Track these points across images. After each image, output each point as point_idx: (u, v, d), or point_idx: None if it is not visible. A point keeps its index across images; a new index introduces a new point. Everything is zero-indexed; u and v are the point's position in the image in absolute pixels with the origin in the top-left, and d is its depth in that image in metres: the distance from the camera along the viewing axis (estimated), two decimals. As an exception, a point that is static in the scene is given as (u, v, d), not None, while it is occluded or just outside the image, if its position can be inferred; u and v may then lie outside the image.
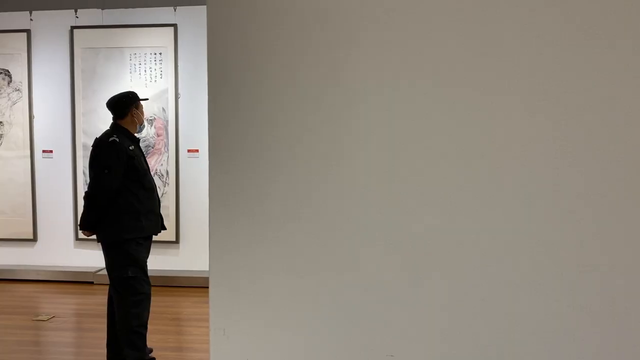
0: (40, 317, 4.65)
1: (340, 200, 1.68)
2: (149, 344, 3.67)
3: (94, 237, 3.49)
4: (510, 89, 1.60)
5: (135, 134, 3.61)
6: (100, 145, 3.41)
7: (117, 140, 3.37)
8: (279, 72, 1.67)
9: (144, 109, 3.70)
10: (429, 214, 1.66)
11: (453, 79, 1.63)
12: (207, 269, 5.83)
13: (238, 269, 1.69)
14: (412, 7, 1.62)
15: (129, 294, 3.40)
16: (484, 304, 1.64)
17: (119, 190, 3.36)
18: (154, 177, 5.55)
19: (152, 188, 3.57)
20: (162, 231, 3.68)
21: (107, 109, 3.64)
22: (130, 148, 3.44)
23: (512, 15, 1.59)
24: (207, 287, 5.56)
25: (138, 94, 3.68)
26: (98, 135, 3.56)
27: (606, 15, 1.56)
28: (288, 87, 1.68)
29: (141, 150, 3.64)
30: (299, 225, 1.69)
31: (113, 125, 3.53)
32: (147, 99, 4.02)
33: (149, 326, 3.93)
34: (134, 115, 3.55)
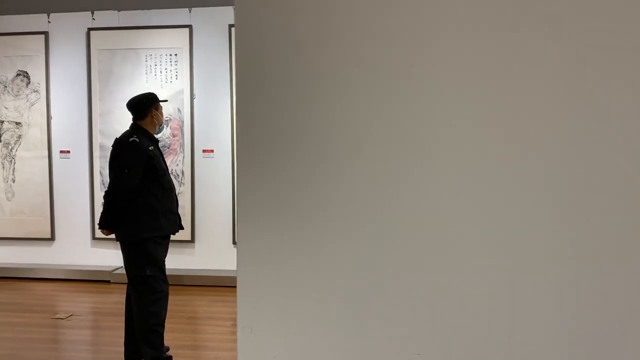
0: (58, 316, 4.71)
1: (368, 198, 1.68)
2: (165, 343, 3.70)
3: (112, 236, 3.53)
4: (541, 90, 1.60)
5: (155, 135, 3.65)
6: (121, 146, 3.45)
7: (137, 140, 3.42)
8: (305, 68, 1.68)
9: (162, 110, 3.75)
10: (458, 214, 1.66)
11: (481, 79, 1.63)
12: (222, 267, 5.88)
13: (265, 267, 1.70)
14: (445, 5, 1.62)
15: (147, 292, 3.44)
16: (513, 303, 1.64)
17: (139, 190, 3.40)
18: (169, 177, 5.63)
19: (171, 188, 3.61)
20: (179, 231, 3.72)
21: (124, 109, 3.69)
22: (150, 148, 3.48)
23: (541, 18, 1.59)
24: (223, 286, 5.61)
25: (157, 95, 3.72)
26: (116, 136, 3.61)
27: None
28: (315, 84, 1.69)
29: (160, 151, 3.68)
30: (326, 223, 1.70)
31: (133, 126, 3.58)
32: (166, 101, 4.05)
33: (165, 325, 3.97)
34: (154, 116, 3.59)
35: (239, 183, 1.70)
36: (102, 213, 3.51)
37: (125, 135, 3.52)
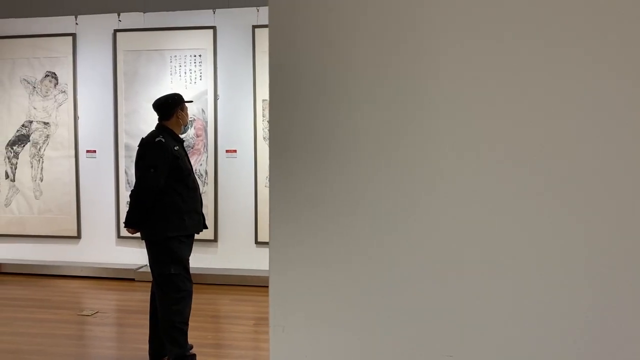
0: (84, 312, 4.79)
1: (401, 199, 1.68)
2: (189, 341, 3.74)
3: (138, 235, 3.59)
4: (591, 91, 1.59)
5: (180, 135, 3.71)
6: (147, 145, 3.52)
7: (163, 140, 3.48)
8: (339, 70, 1.69)
9: (187, 111, 3.80)
10: (490, 215, 1.64)
11: (524, 80, 1.62)
12: (244, 267, 5.92)
13: (298, 267, 1.71)
14: (485, 7, 1.62)
15: (171, 291, 3.48)
16: (548, 305, 1.62)
17: (164, 189, 3.46)
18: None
19: (196, 188, 3.65)
20: (203, 230, 3.76)
21: (149, 109, 3.75)
22: (175, 148, 3.53)
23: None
24: (245, 285, 5.64)
25: (183, 96, 3.77)
26: (142, 136, 3.67)
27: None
28: (348, 85, 1.69)
29: (185, 151, 3.73)
30: (359, 224, 1.70)
31: (159, 126, 3.63)
32: (191, 101, 4.11)
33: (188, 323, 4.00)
34: (179, 116, 3.65)
35: (272, 183, 1.71)
36: (128, 212, 3.57)
37: (151, 135, 3.57)
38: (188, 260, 3.59)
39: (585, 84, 1.59)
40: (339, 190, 1.68)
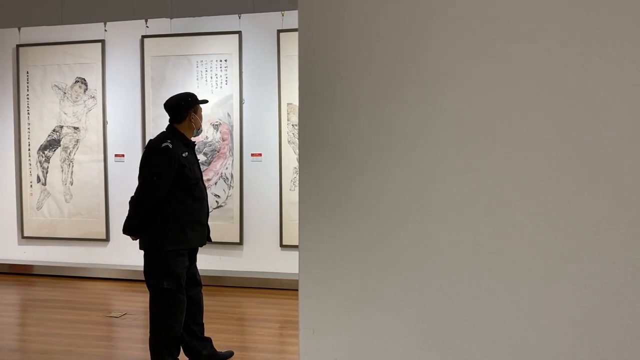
0: (113, 314, 4.87)
1: (434, 200, 1.67)
2: (214, 343, 3.76)
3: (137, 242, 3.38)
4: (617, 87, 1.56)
5: (192, 139, 3.45)
6: (152, 149, 3.27)
7: (170, 146, 3.23)
8: (364, 70, 1.69)
9: (202, 112, 3.52)
10: (523, 217, 1.62)
11: (549, 76, 1.60)
12: (269, 270, 5.93)
13: (327, 269, 1.72)
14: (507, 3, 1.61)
15: (162, 305, 3.32)
16: (582, 310, 1.59)
17: (167, 198, 3.23)
18: (219, 181, 5.74)
19: (202, 197, 3.39)
20: (207, 243, 3.52)
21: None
22: (184, 155, 3.28)
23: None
24: (270, 288, 5.66)
25: (197, 96, 3.50)
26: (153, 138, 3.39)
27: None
28: (374, 87, 1.70)
29: (195, 157, 3.46)
30: (390, 225, 1.70)
31: (169, 128, 3.40)
32: (206, 101, 3.72)
33: (213, 325, 4.04)
34: (192, 119, 3.40)
35: (302, 185, 1.71)
36: (126, 219, 3.32)
37: (159, 138, 3.32)
38: (184, 274, 3.36)
39: (610, 89, 1.56)
40: (368, 190, 1.68)
